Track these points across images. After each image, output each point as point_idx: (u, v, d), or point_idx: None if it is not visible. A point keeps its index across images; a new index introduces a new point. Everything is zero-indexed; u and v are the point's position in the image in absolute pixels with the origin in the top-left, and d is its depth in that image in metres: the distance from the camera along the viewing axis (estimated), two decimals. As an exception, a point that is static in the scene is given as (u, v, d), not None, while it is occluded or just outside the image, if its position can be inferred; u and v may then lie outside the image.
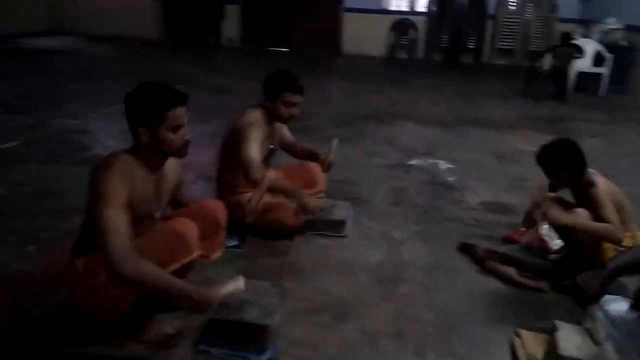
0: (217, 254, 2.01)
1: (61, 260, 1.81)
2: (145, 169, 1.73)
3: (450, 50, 10.82)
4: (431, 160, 4.33)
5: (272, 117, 2.64)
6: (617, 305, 1.81)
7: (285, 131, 2.95)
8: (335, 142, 3.02)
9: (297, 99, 2.63)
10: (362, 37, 10.69)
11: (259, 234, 2.67)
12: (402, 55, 10.80)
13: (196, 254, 1.76)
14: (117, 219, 1.54)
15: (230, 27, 11.12)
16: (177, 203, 2.05)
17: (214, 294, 1.58)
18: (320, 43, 10.84)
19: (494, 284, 2.46)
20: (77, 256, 1.68)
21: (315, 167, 3.01)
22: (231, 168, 2.63)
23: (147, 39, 10.90)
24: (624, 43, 8.03)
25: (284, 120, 2.71)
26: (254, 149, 2.50)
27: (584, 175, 2.33)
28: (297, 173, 2.99)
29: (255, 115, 2.62)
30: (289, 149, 3.02)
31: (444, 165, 4.24)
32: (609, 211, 2.22)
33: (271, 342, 1.77)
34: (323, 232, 2.78)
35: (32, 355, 1.75)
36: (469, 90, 7.92)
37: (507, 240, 2.91)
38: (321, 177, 3.02)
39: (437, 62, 10.71)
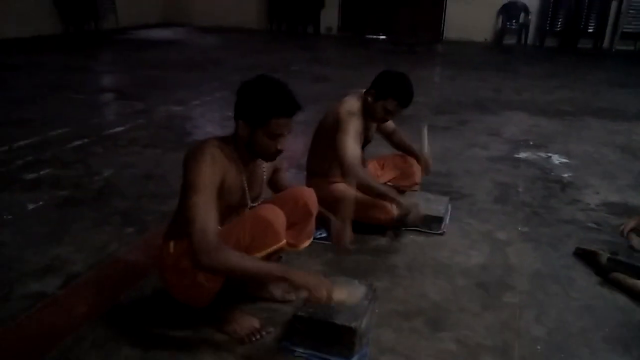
0: (305, 244, 1.91)
1: (155, 243, 1.82)
2: (239, 159, 1.70)
3: (565, 35, 9.90)
4: (543, 154, 3.93)
5: (367, 111, 2.47)
6: None
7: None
8: (425, 131, 2.78)
9: (399, 110, 2.44)
10: (466, 22, 10.13)
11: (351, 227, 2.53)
12: (511, 40, 10.07)
13: (283, 242, 1.67)
14: (205, 208, 1.49)
15: (330, 15, 11.12)
16: (275, 187, 2.01)
17: (326, 285, 1.51)
18: (421, 29, 10.45)
19: (620, 299, 2.11)
20: (169, 240, 1.67)
21: (411, 158, 2.82)
22: (325, 156, 2.52)
23: (251, 29, 11.24)
24: None
25: (375, 121, 2.53)
26: (351, 143, 2.35)
27: None
28: (392, 163, 2.82)
29: (355, 105, 2.47)
30: (388, 136, 2.85)
31: (558, 159, 3.82)
32: None
33: (359, 346, 1.64)
34: (418, 229, 2.58)
35: (124, 335, 1.77)
36: (587, 77, 7.16)
37: (634, 248, 2.51)
38: (417, 169, 2.82)
39: (550, 48, 9.86)
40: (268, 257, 1.65)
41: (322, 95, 5.35)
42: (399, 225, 2.57)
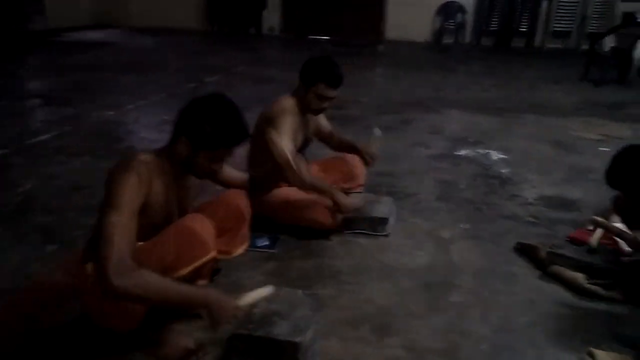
0: (239, 250, 1.82)
1: (74, 264, 1.66)
2: (169, 174, 1.60)
3: (500, 34, 10.26)
4: (482, 151, 4.00)
5: (302, 106, 2.41)
6: None
7: (322, 120, 2.71)
8: (377, 133, 2.76)
9: (331, 93, 2.37)
10: (406, 22, 10.29)
11: (293, 233, 2.45)
12: (449, 40, 10.32)
13: (212, 253, 1.57)
14: (123, 229, 1.37)
15: (272, 16, 10.98)
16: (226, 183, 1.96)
17: (232, 302, 1.40)
18: (363, 30, 10.52)
19: (559, 292, 2.15)
20: (87, 260, 1.52)
21: (354, 159, 2.77)
22: (263, 160, 2.43)
23: (191, 30, 10.91)
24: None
25: (312, 113, 2.47)
26: (284, 140, 2.26)
27: None
28: (334, 165, 2.75)
29: (288, 103, 2.40)
30: (326, 139, 2.78)
31: (496, 155, 3.90)
32: None
33: (304, 360, 1.55)
34: (363, 231, 2.53)
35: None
36: (521, 75, 7.43)
37: (572, 241, 2.57)
38: (360, 170, 2.77)
39: (486, 47, 10.19)
40: (198, 271, 1.54)
41: (265, 96, 5.20)
42: (343, 229, 2.51)
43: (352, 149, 2.76)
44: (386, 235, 2.54)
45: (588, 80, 6.88)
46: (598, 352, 1.73)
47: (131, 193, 1.43)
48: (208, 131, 1.51)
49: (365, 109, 5.03)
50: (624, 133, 4.64)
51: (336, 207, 2.39)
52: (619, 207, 2.25)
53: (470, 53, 9.60)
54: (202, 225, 1.54)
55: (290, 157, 2.24)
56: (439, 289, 2.13)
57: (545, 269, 2.29)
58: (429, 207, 2.94)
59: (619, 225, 2.44)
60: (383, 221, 2.56)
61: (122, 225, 1.37)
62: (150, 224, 1.52)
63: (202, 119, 1.52)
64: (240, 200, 1.78)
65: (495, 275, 2.26)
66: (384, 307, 1.99)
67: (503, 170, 3.59)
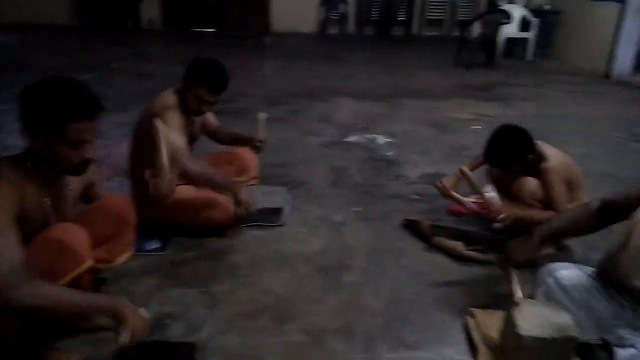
0: (122, 257, 1.72)
1: None
2: (38, 180, 1.46)
3: (380, 24, 10.72)
4: (369, 136, 4.18)
5: (184, 105, 2.33)
6: (568, 272, 1.72)
7: (208, 116, 2.66)
8: (263, 117, 2.74)
9: (212, 98, 2.32)
10: (291, 13, 10.35)
11: (186, 232, 2.38)
12: (333, 30, 10.58)
13: (87, 263, 1.47)
14: (4, 240, 1.26)
15: (151, 9, 10.43)
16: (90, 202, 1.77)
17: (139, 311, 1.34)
18: (249, 22, 10.40)
19: (442, 261, 2.33)
20: None
21: (245, 151, 2.75)
22: (148, 159, 2.32)
23: (59, 25, 10.02)
24: (547, 7, 8.21)
25: (192, 114, 2.39)
26: (174, 134, 2.19)
27: (533, 154, 2.21)
28: (225, 160, 2.71)
29: (171, 99, 2.31)
30: (214, 135, 2.73)
31: (382, 139, 4.10)
32: (559, 196, 2.13)
33: None
34: (258, 223, 2.54)
35: None
36: (402, 62, 7.84)
37: (452, 213, 2.80)
38: (253, 162, 2.76)
39: (368, 36, 10.58)
40: (75, 283, 1.44)
41: (147, 92, 4.94)
42: (238, 223, 2.49)
43: (241, 140, 2.74)
44: (281, 225, 2.57)
45: (460, 64, 7.44)
46: (477, 311, 1.90)
47: (4, 202, 1.32)
48: (44, 112, 1.38)
49: (255, 101, 5.00)
50: (492, 111, 5.10)
51: (238, 202, 2.35)
52: (493, 178, 2.49)
53: (355, 42, 9.92)
54: (71, 235, 1.44)
55: (184, 153, 2.17)
56: (334, 271, 2.21)
57: (429, 241, 2.46)
58: (322, 194, 3.02)
59: (491, 194, 2.70)
60: (277, 211, 2.58)
61: (3, 237, 1.26)
62: (28, 231, 1.39)
63: (34, 103, 1.40)
64: (123, 206, 1.69)
65: (386, 252, 2.39)
66: (282, 295, 2.02)
67: (389, 153, 3.79)
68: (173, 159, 2.09)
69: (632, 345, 1.41)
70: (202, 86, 2.27)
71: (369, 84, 6.22)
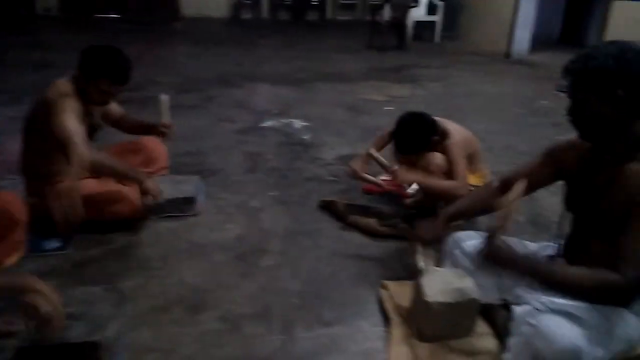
0: (13, 258, 1.60)
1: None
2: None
3: (295, 8, 10.69)
4: (285, 120, 4.16)
5: (82, 94, 2.16)
6: (472, 241, 1.81)
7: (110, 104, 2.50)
8: (165, 99, 2.53)
9: (117, 90, 2.19)
10: (202, -2, 10.05)
11: (92, 228, 2.23)
12: (246, 15, 10.40)
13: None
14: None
15: (46, -6, 9.67)
16: None
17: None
18: (156, 7, 9.94)
19: (358, 238, 2.38)
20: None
21: (151, 140, 2.63)
22: (43, 152, 2.16)
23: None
24: (451, -9, 8.58)
25: (92, 104, 2.23)
26: (72, 121, 2.02)
27: (436, 134, 2.31)
28: (130, 150, 2.58)
29: (67, 87, 2.14)
30: (117, 123, 2.58)
31: (299, 123, 4.10)
32: (460, 168, 2.24)
33: (111, 358, 1.46)
34: (170, 214, 2.45)
35: None
36: (316, 47, 7.87)
37: (366, 192, 2.87)
38: (161, 151, 2.65)
39: (283, 21, 10.52)
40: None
41: (46, 83, 4.63)
42: (147, 215, 2.39)
43: (146, 127, 2.59)
44: (195, 215, 2.50)
45: (373, 48, 7.61)
46: (390, 283, 1.97)
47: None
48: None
49: (165, 89, 4.80)
50: (404, 92, 5.27)
51: (145, 194, 2.24)
52: (400, 158, 2.57)
53: (269, 27, 9.82)
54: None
55: (79, 136, 2.01)
56: (250, 257, 2.19)
57: (345, 221, 2.50)
58: (238, 181, 2.97)
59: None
60: (190, 201, 2.50)
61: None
62: None
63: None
64: (11, 204, 1.56)
65: (303, 234, 2.40)
66: (196, 285, 1.97)
67: (305, 137, 3.80)
68: (69, 146, 1.94)
69: (527, 302, 1.52)
70: (104, 79, 2.12)
71: (284, 69, 6.19)
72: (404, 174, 2.28)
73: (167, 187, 2.39)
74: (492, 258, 1.39)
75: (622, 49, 1.32)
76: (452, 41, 8.57)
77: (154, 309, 1.80)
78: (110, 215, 2.26)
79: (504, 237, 1.48)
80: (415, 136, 2.27)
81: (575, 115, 1.41)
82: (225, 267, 2.10)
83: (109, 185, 2.25)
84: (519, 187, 1.49)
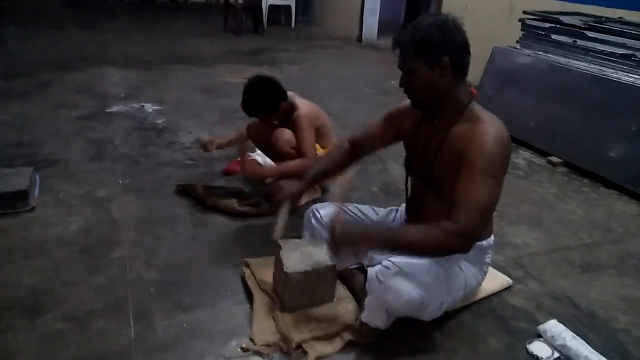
0: None
1: None
2: None
3: (143, -11, 10.01)
4: (136, 105, 3.89)
5: None
6: (326, 211, 1.86)
7: None
8: None
9: None
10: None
11: None
12: (88, -5, 9.50)
13: None
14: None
15: None
16: None
17: None
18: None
19: (218, 220, 2.32)
20: None
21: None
22: None
23: None
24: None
25: None
26: None
27: (285, 101, 2.32)
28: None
29: None
30: None
31: (151, 108, 3.86)
32: (307, 142, 2.27)
33: None
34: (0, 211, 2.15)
35: None
36: (169, 30, 7.47)
37: (227, 173, 2.80)
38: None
39: (132, 2, 9.80)
40: None
41: None
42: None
43: None
44: (30, 210, 2.22)
45: (228, 31, 7.45)
46: (251, 260, 1.95)
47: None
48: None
49: (-12, 74, 4.20)
50: (261, 75, 5.25)
51: None
52: (252, 134, 2.55)
53: (116, 9, 9.07)
54: None
55: None
56: (99, 249, 2.01)
57: (205, 203, 2.42)
58: (82, 170, 2.71)
59: (257, 154, 2.78)
60: (22, 195, 2.22)
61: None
62: None
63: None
64: None
65: (158, 221, 2.27)
66: (34, 286, 1.75)
67: (159, 121, 3.59)
68: None
69: (379, 262, 1.60)
70: None
71: (133, 52, 5.78)
72: (254, 171, 2.28)
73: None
74: (342, 242, 1.42)
75: (444, 21, 1.44)
76: (308, 26, 8.74)
77: (-20, 319, 1.56)
78: None
79: (346, 214, 1.54)
80: (263, 96, 2.26)
81: (408, 85, 1.50)
82: (69, 263, 1.90)
83: None
84: (352, 171, 1.56)
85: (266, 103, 2.26)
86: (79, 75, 4.59)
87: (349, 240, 1.42)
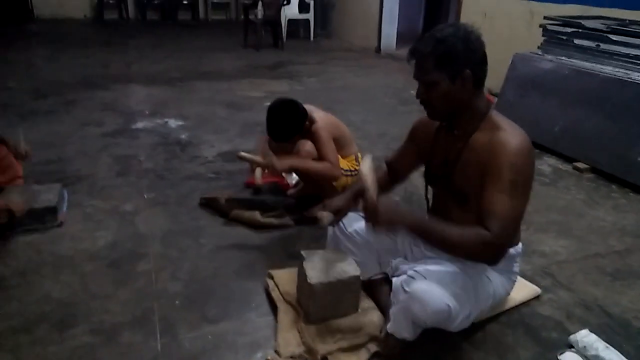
0: None
1: None
2: None
3: (165, 8, 10.24)
4: (160, 121, 3.96)
5: None
6: (348, 220, 1.84)
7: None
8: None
9: None
10: (58, -3, 9.23)
11: None
12: (111, 15, 9.76)
13: None
14: None
15: None
16: None
17: None
18: (4, 8, 8.92)
19: (241, 232, 2.33)
20: None
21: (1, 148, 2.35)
22: None
23: None
24: (321, -11, 8.81)
25: None
26: None
27: (307, 119, 2.32)
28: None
29: None
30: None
31: (174, 123, 3.93)
32: (329, 150, 2.27)
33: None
34: (29, 227, 2.19)
35: None
36: (190, 46, 7.61)
37: (249, 185, 2.82)
38: (12, 160, 2.38)
39: (152, 21, 10.04)
40: None
41: None
42: (4, 231, 2.12)
43: None
44: (59, 225, 2.27)
45: (249, 46, 7.56)
46: (275, 272, 1.95)
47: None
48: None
49: (18, 94, 4.33)
50: (282, 88, 5.29)
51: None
52: (273, 148, 2.56)
53: (137, 28, 9.29)
54: None
55: None
56: (125, 263, 2.04)
57: (227, 216, 2.44)
58: (108, 185, 2.76)
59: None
60: (51, 211, 2.27)
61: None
62: None
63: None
64: None
65: (183, 234, 2.30)
66: (63, 300, 1.78)
67: (182, 136, 3.65)
68: None
69: (404, 272, 1.58)
70: None
71: (157, 69, 5.90)
72: (278, 161, 2.27)
73: (23, 198, 2.14)
74: (384, 216, 1.41)
75: (466, 32, 1.42)
76: (327, 39, 8.81)
77: (13, 331, 1.60)
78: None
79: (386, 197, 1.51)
80: (288, 122, 2.26)
81: (426, 96, 1.48)
82: (97, 277, 1.93)
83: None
84: (367, 160, 1.54)
85: (292, 128, 2.26)
86: (104, 93, 4.71)
87: (390, 215, 1.41)
